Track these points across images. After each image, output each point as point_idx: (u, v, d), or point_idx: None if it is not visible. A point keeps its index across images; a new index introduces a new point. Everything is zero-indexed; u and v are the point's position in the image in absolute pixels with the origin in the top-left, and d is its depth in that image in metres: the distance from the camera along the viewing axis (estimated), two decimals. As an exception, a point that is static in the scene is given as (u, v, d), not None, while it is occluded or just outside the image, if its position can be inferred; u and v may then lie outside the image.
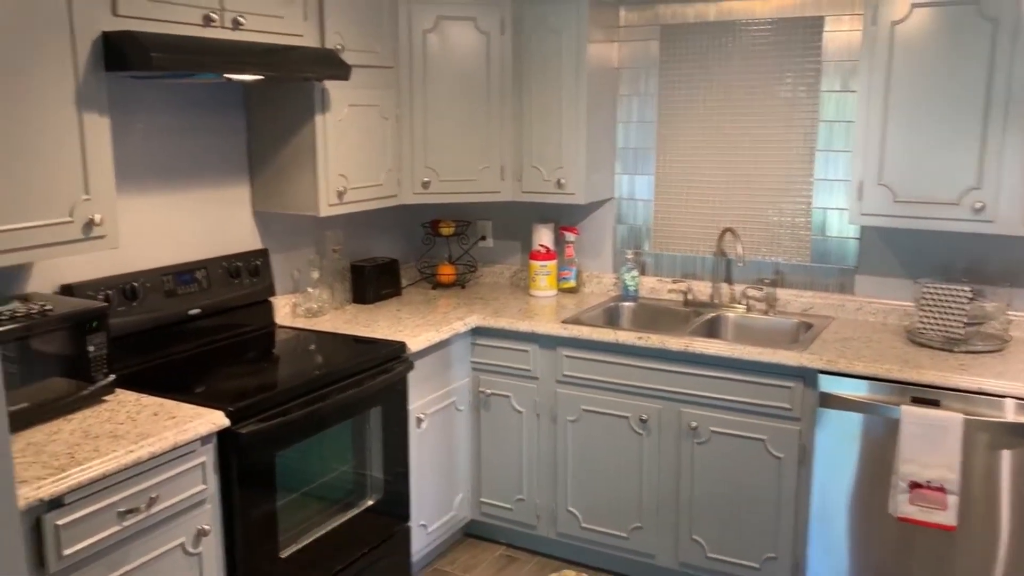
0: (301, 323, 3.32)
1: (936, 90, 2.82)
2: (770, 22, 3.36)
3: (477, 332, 3.43)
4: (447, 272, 3.92)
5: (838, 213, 3.35)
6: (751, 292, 3.51)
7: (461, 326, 3.33)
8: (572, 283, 3.82)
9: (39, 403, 2.24)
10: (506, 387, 3.43)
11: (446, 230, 3.90)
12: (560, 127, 3.47)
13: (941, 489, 2.63)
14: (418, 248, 4.15)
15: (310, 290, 3.40)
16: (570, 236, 3.80)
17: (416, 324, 3.29)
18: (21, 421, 2.20)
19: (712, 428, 3.05)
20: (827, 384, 2.83)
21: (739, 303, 3.52)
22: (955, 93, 2.79)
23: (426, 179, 3.52)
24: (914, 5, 2.81)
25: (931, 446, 2.63)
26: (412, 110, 3.47)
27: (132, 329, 2.73)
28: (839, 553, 2.88)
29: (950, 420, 2.60)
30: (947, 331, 2.91)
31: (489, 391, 3.45)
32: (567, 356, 3.28)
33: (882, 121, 2.92)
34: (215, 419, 2.33)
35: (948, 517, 2.63)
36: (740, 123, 3.47)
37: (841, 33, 3.24)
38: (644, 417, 3.15)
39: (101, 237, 2.35)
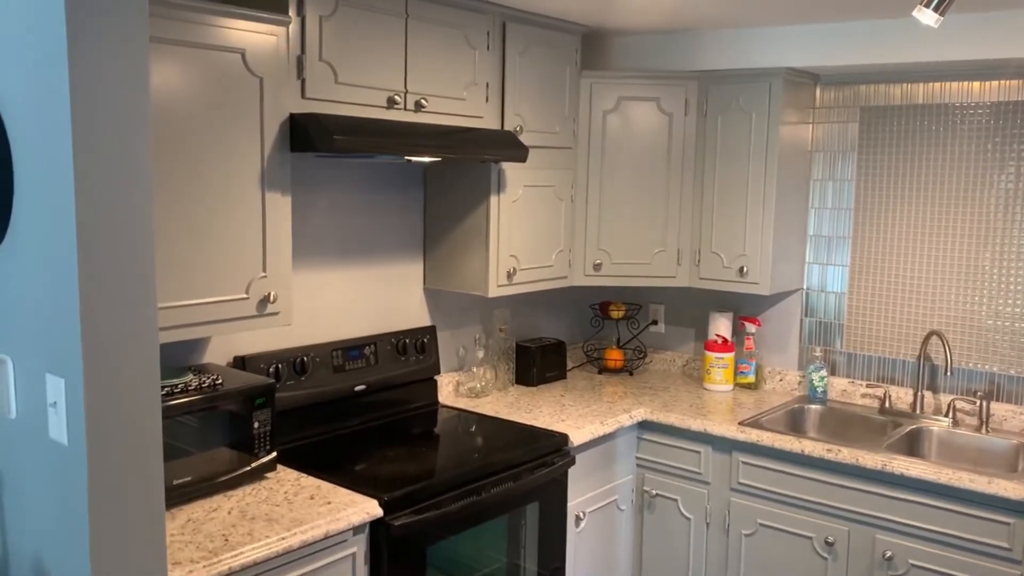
0: (464, 403, 3.24)
1: None
2: (989, 105, 3.02)
3: (644, 426, 3.22)
4: (615, 357, 3.74)
5: (1071, 321, 2.91)
6: (960, 404, 3.10)
7: (627, 419, 3.14)
8: (751, 378, 3.54)
9: (203, 477, 2.25)
10: (673, 489, 3.18)
11: (616, 313, 3.74)
12: (744, 212, 3.26)
13: None
14: (585, 329, 4.00)
15: (474, 369, 3.33)
16: (751, 327, 3.54)
17: (580, 414, 3.12)
18: (184, 495, 2.21)
19: (912, 561, 2.67)
20: (1058, 525, 2.41)
21: (944, 416, 3.12)
22: None
23: (598, 261, 3.39)
24: None
25: None
26: (588, 191, 3.36)
27: (298, 403, 2.74)
28: None
29: None
30: None
31: (655, 492, 3.22)
32: (744, 462, 3.00)
33: None
34: (369, 508, 2.25)
35: None
36: (950, 215, 3.12)
37: (1079, 118, 2.86)
38: (831, 540, 2.81)
39: (275, 314, 2.37)
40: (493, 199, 2.99)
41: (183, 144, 2.12)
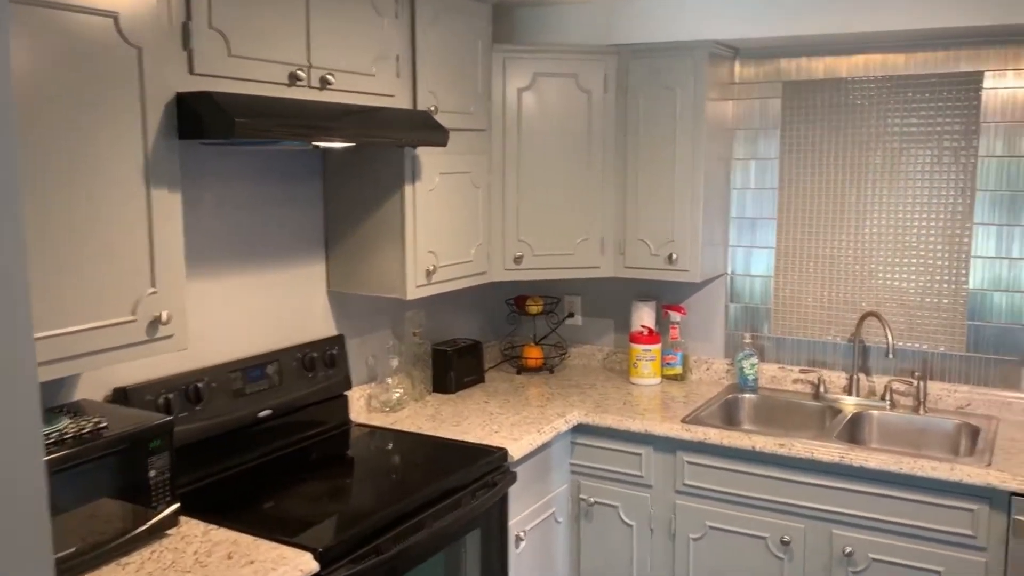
0: (379, 419, 2.89)
1: None
2: (916, 78, 2.95)
3: (578, 430, 2.98)
4: (534, 356, 3.48)
5: (1001, 295, 2.89)
6: (896, 385, 3.04)
7: (563, 424, 2.88)
8: (678, 369, 3.37)
9: (90, 545, 1.81)
10: (613, 495, 2.96)
11: (534, 308, 3.47)
12: (672, 195, 3.06)
13: None
14: (498, 326, 3.72)
15: (388, 380, 2.98)
16: (675, 316, 3.36)
17: (512, 422, 2.84)
18: (68, 571, 1.77)
19: (872, 555, 2.56)
20: (1022, 509, 2.35)
21: (881, 398, 3.05)
22: None
23: (519, 253, 3.11)
24: (1116, 58, 2.39)
25: None
26: (505, 177, 3.07)
27: (195, 437, 2.31)
28: None
29: None
30: None
31: (592, 499, 2.99)
32: (689, 462, 2.81)
33: (1074, 193, 2.48)
34: (303, 564, 1.88)
35: None
36: (878, 192, 3.04)
37: (1004, 91, 2.82)
38: (786, 538, 2.67)
39: (168, 337, 1.95)
40: (407, 189, 2.65)
41: (44, 134, 1.67)
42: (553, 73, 3.05)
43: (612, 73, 3.10)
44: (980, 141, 2.87)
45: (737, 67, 3.24)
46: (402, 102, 2.60)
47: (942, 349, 3.00)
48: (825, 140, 3.11)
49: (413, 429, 2.79)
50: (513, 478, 2.57)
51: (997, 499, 2.39)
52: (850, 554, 2.58)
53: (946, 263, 2.96)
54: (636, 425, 2.86)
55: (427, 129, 2.48)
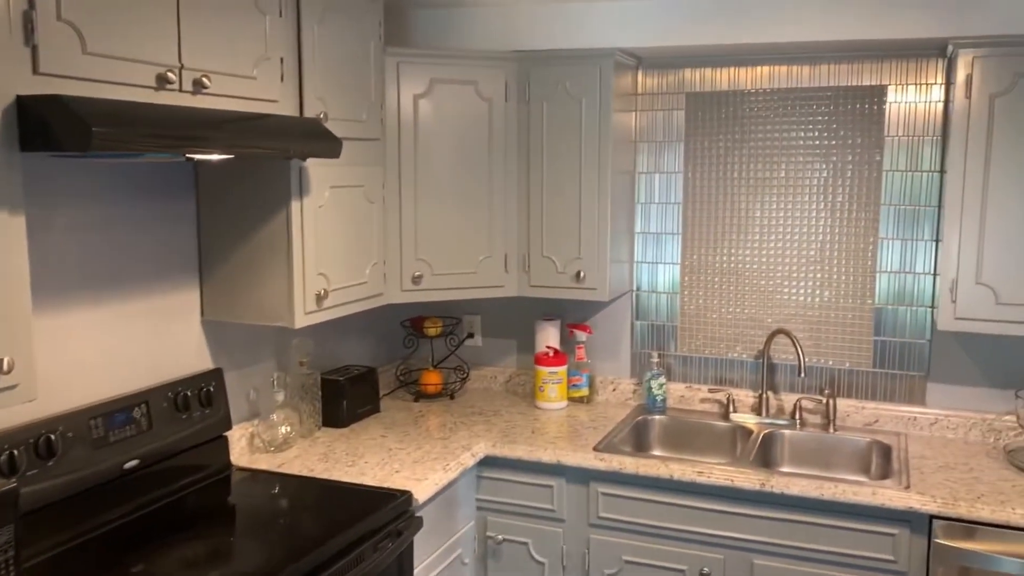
0: (265, 461, 2.60)
1: (1048, 174, 2.39)
2: (821, 90, 2.90)
3: (485, 463, 2.78)
4: (433, 381, 3.25)
5: (905, 310, 2.88)
6: (805, 403, 2.99)
7: (470, 459, 2.67)
8: (584, 391, 3.22)
9: (-92, 652, 1.47)
10: (522, 531, 2.77)
11: (433, 330, 3.24)
12: (579, 210, 2.90)
13: (1105, 669, 2.13)
14: (393, 349, 3.48)
15: (273, 416, 2.69)
16: (581, 335, 3.21)
17: (414, 459, 2.61)
18: None
19: (793, 584, 2.47)
20: (942, 532, 2.30)
21: (791, 417, 2.99)
22: (1072, 178, 2.37)
23: (417, 272, 2.88)
24: (1018, 75, 2.39)
25: (1092, 615, 2.12)
26: (401, 191, 2.84)
27: (48, 499, 1.97)
28: None
29: (1116, 583, 2.11)
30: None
31: (500, 536, 2.79)
32: (604, 493, 2.66)
33: (980, 209, 2.47)
34: (181, 654, 1.60)
35: None
36: (784, 206, 2.98)
37: (906, 105, 2.81)
38: (705, 570, 2.55)
39: (11, 388, 1.62)
40: (294, 205, 2.38)
41: None
42: (451, 79, 2.85)
43: (513, 81, 2.92)
44: (884, 155, 2.85)
45: (640, 77, 3.12)
46: (287, 108, 2.33)
47: (848, 365, 2.97)
48: (730, 153, 3.03)
49: (304, 472, 2.51)
50: (419, 524, 2.34)
51: (917, 522, 2.34)
52: (771, 584, 2.49)
53: (851, 278, 2.93)
54: (547, 455, 2.68)
55: (317, 138, 2.22)
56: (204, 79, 2.00)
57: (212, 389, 2.46)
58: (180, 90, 1.95)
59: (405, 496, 2.33)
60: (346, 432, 2.88)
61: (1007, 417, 2.78)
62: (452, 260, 2.93)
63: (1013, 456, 2.61)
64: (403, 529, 2.27)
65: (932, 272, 2.83)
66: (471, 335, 3.43)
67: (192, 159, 2.01)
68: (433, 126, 2.84)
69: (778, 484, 2.44)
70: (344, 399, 2.92)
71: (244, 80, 2.15)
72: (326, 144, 2.23)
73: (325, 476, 2.48)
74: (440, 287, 2.94)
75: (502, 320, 3.41)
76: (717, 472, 2.50)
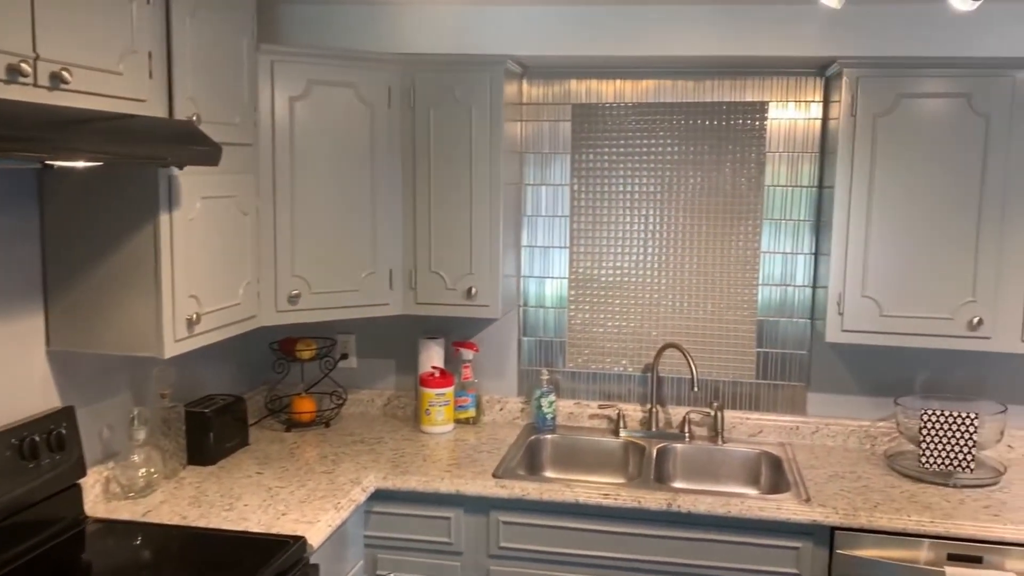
0: (125, 510, 2.27)
1: (926, 190, 2.49)
2: (706, 105, 2.91)
3: (375, 497, 2.58)
4: (306, 409, 3.00)
5: (786, 322, 2.94)
6: (694, 416, 2.99)
7: (360, 494, 2.46)
8: (471, 412, 3.08)
9: None
10: (416, 568, 2.59)
11: (306, 353, 2.99)
12: (470, 223, 2.76)
13: (995, 665, 2.22)
14: (256, 374, 3.19)
15: (133, 457, 2.36)
16: (467, 354, 3.07)
17: (299, 499, 2.37)
18: None
19: (699, 603, 2.44)
20: (843, 542, 2.34)
21: (680, 431, 2.98)
22: (947, 193, 2.48)
23: (295, 291, 2.64)
24: (900, 95, 2.48)
25: (984, 615, 2.22)
26: (276, 202, 2.59)
27: None
28: None
29: (1004, 583, 2.21)
30: (955, 462, 2.54)
31: (392, 575, 2.59)
32: (505, 522, 2.53)
33: (865, 225, 2.54)
34: None
35: None
36: (670, 220, 2.97)
37: (786, 121, 2.87)
38: (612, 596, 2.48)
39: None
40: (163, 218, 2.09)
41: None
42: (330, 81, 2.63)
43: (397, 85, 2.73)
44: (765, 170, 2.90)
45: (524, 86, 3.02)
46: (156, 109, 2.04)
47: (732, 377, 3.00)
48: (617, 166, 2.99)
49: (175, 520, 2.22)
50: (316, 573, 2.11)
51: (819, 535, 2.37)
52: (679, 605, 2.45)
53: (735, 291, 2.96)
54: (444, 485, 2.52)
55: (195, 144, 1.95)
56: (64, 72, 1.70)
57: (63, 431, 2.12)
58: (35, 84, 1.65)
59: (299, 542, 2.10)
60: (215, 470, 2.59)
61: (881, 424, 2.89)
62: (332, 277, 2.71)
63: (893, 461, 2.71)
64: (299, 581, 2.04)
65: (811, 285, 2.91)
66: (345, 356, 3.21)
67: (51, 166, 1.70)
68: (310, 131, 2.61)
69: (685, 503, 2.40)
70: (211, 433, 2.63)
71: (109, 76, 1.86)
72: (205, 150, 1.97)
73: (201, 524, 2.19)
74: (319, 306, 2.70)
75: (378, 339, 3.21)
76: (624, 494, 2.43)
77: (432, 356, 3.04)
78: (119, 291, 2.11)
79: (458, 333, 3.15)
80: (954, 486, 2.52)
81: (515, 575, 2.53)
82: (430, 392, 2.95)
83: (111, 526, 2.19)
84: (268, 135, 2.54)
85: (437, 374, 2.98)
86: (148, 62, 1.99)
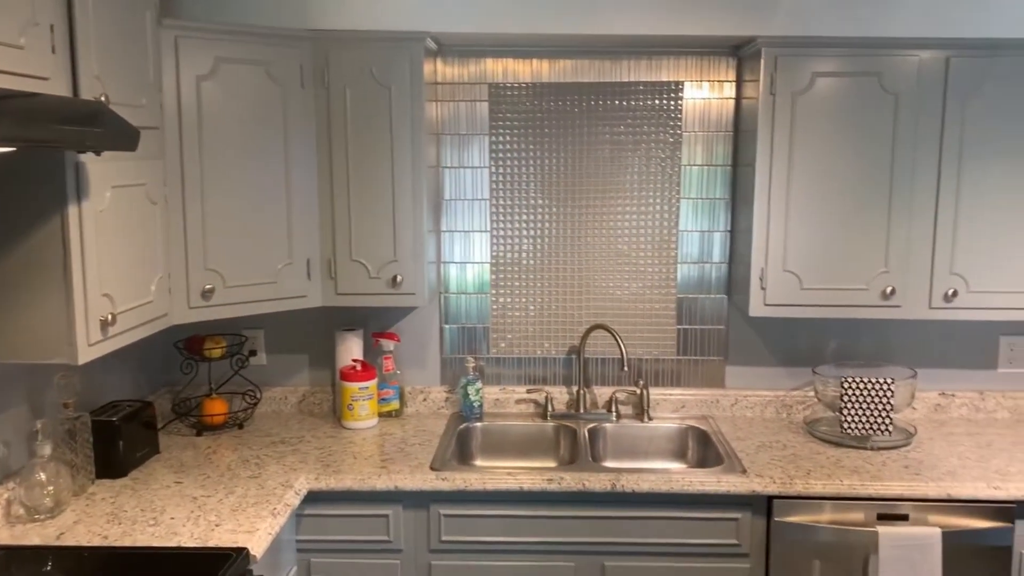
0: (35, 533, 2.05)
1: (842, 166, 2.58)
2: (623, 85, 2.91)
3: (305, 499, 2.44)
4: (218, 411, 2.81)
5: (705, 299, 2.99)
6: (620, 396, 3.00)
7: (295, 497, 2.33)
8: (395, 404, 2.97)
9: None
10: (353, 569, 2.48)
11: (216, 351, 2.80)
12: (392, 208, 2.65)
13: (923, 615, 2.35)
14: (156, 376, 2.96)
15: (38, 475, 2.13)
16: (388, 344, 2.96)
17: (230, 507, 2.21)
18: None
19: (644, 581, 2.46)
20: (780, 510, 2.41)
21: (608, 411, 2.98)
22: (862, 169, 2.58)
23: (208, 286, 2.45)
24: (816, 74, 2.56)
25: (913, 568, 2.33)
26: (185, 189, 2.39)
27: None
28: None
29: (930, 537, 2.33)
30: (874, 426, 2.66)
31: (329, 578, 2.48)
32: (447, 515, 2.45)
33: (785, 201, 2.61)
34: None
35: (932, 645, 2.35)
36: (590, 201, 2.97)
37: (701, 101, 2.91)
38: (558, 581, 2.46)
39: None
40: (71, 210, 1.88)
41: None
42: (239, 59, 2.45)
43: (310, 63, 2.58)
44: (682, 149, 2.94)
45: (440, 65, 2.93)
46: (60, 88, 1.83)
47: (656, 354, 3.03)
48: (535, 147, 2.95)
49: (95, 541, 2.02)
50: (262, 585, 1.98)
51: (757, 504, 2.43)
52: (624, 584, 2.45)
53: (657, 269, 2.99)
54: (381, 482, 2.42)
55: (110, 126, 1.76)
56: (-37, 43, 1.49)
57: (-42, 452, 1.89)
58: (-69, 57, 1.43)
59: (241, 554, 1.95)
60: (128, 483, 2.38)
61: (795, 392, 3.00)
62: (247, 269, 2.54)
63: (812, 428, 2.82)
64: (247, 595, 1.90)
65: (727, 261, 2.97)
66: (254, 353, 3.03)
67: (-49, 152, 1.49)
68: (219, 112, 2.42)
69: (628, 483, 2.40)
70: (120, 443, 2.41)
71: (9, 50, 1.65)
72: (123, 134, 1.79)
73: (127, 543, 2.00)
74: (234, 301, 2.53)
75: (288, 334, 3.05)
76: (568, 478, 2.41)
77: (351, 349, 2.92)
78: (24, 292, 1.89)
79: (375, 324, 3.03)
80: (872, 448, 2.65)
81: (458, 568, 2.47)
82: (352, 386, 2.83)
83: (19, 553, 1.97)
84: (174, 117, 2.35)
85: (358, 367, 2.86)
86: (50, 35, 1.78)
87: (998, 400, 2.96)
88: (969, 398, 2.97)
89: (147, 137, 2.22)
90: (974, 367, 2.97)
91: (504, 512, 2.44)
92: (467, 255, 3.01)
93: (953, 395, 2.97)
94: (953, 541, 2.36)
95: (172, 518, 2.14)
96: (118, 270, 2.07)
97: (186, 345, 2.82)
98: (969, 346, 2.96)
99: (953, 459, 2.55)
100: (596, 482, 2.41)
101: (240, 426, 2.87)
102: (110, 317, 2.01)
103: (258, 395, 2.97)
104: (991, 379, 2.97)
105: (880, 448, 2.65)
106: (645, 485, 2.40)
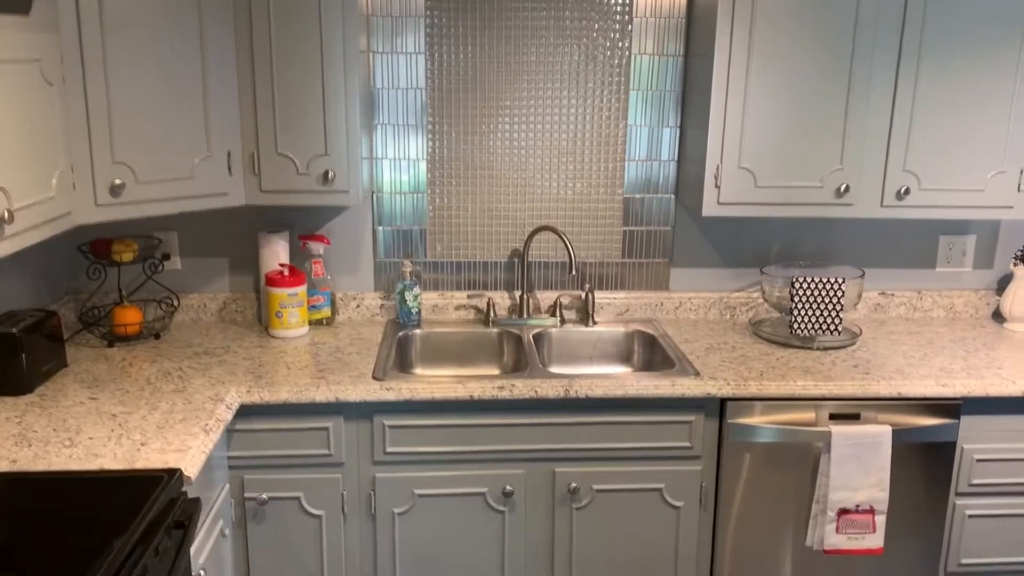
0: (-72, 461, 1.82)
1: (800, 57, 2.45)
2: (568, -34, 2.70)
3: (239, 414, 2.26)
4: (131, 320, 2.56)
5: (652, 199, 2.88)
6: (564, 300, 2.89)
7: (226, 412, 2.14)
8: (326, 312, 2.78)
9: None
10: (291, 485, 2.33)
11: (127, 254, 2.53)
12: (322, 97, 2.40)
13: (870, 511, 2.37)
14: (56, 283, 2.67)
15: (-72, 395, 1.88)
16: (317, 248, 2.75)
17: (157, 425, 2.01)
18: None
19: (595, 486, 2.39)
20: (732, 412, 2.37)
21: (552, 315, 2.87)
22: (821, 61, 2.46)
23: (118, 181, 2.18)
24: (778, -41, 2.41)
25: (862, 466, 2.34)
26: (86, 69, 2.09)
27: None
28: (745, 599, 2.49)
29: (881, 435, 2.33)
30: (823, 326, 2.63)
31: (264, 495, 2.32)
32: (391, 426, 2.32)
33: (743, 95, 2.49)
34: None
35: (877, 539, 2.38)
36: (534, 93, 2.77)
37: (653, -14, 2.73)
38: (508, 489, 2.37)
39: None
40: (-50, 87, 1.60)
41: None
42: (142, -82, 2.12)
43: (225, -73, 2.27)
44: (632, 38, 2.76)
45: (368, -63, 2.64)
46: (-72, -66, 1.51)
47: (600, 257, 2.92)
48: (476, 33, 2.72)
49: (2, 466, 1.80)
50: (199, 507, 1.80)
51: (710, 407, 2.38)
52: (575, 490, 2.38)
53: (603, 168, 2.85)
54: (321, 394, 2.25)
55: (-3, -16, 1.47)
56: None
57: None
58: None
59: (175, 476, 1.77)
60: (35, 400, 2.14)
61: (737, 294, 2.95)
62: (161, 163, 2.27)
63: (759, 328, 2.78)
64: (183, 519, 1.73)
65: (675, 159, 2.85)
66: (167, 257, 2.76)
67: None
68: (121, -19, 2.11)
69: (582, 388, 2.31)
70: (23, 356, 2.16)
71: None
72: (13, -9, 1.50)
73: (41, 467, 1.79)
74: (148, 199, 2.26)
75: (204, 236, 2.79)
76: (520, 385, 2.30)
77: (276, 252, 2.69)
78: None
79: (301, 226, 2.81)
80: (818, 349, 2.63)
81: (404, 480, 2.35)
82: (280, 292, 2.62)
83: (-87, 482, 1.74)
84: (68, -17, 2.03)
85: (286, 272, 2.65)
86: None
87: (935, 299, 2.99)
88: (908, 297, 2.98)
89: (41, 5, 1.90)
90: (913, 266, 2.97)
91: (451, 421, 2.32)
92: (401, 152, 2.79)
93: (893, 295, 2.98)
94: (901, 439, 2.38)
95: (90, 438, 1.93)
96: (11, 160, 1.78)
97: (92, 248, 2.54)
98: (909, 246, 2.96)
99: (899, 358, 2.56)
100: (549, 388, 2.30)
101: (157, 336, 2.64)
102: (6, 214, 1.74)
103: (175, 303, 2.72)
104: (929, 278, 2.99)
105: (826, 348, 2.64)
106: (599, 390, 2.31)
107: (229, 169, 2.41)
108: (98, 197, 2.16)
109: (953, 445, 2.40)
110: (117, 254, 2.52)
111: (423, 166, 2.80)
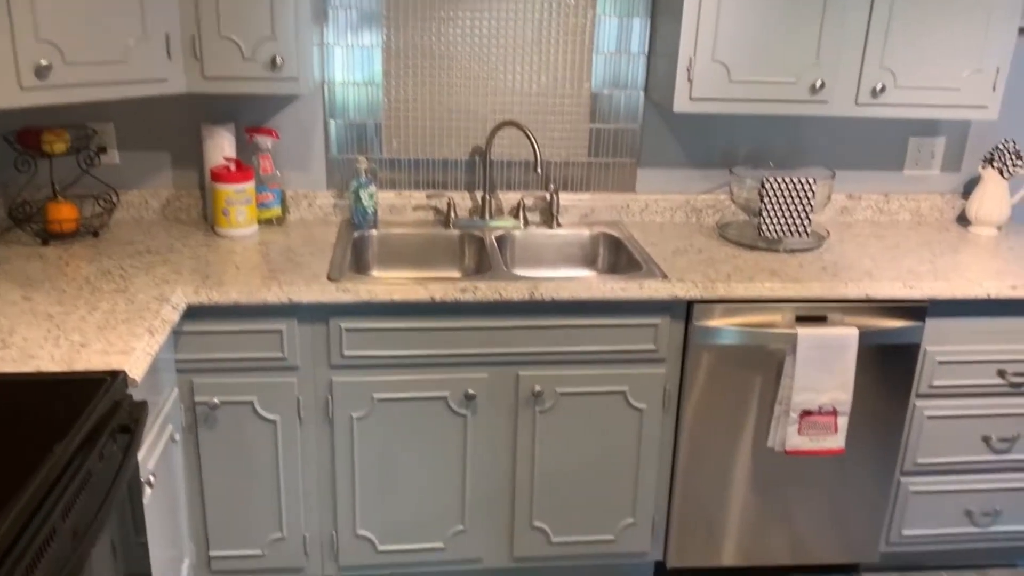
0: None
1: (781, -55, 2.33)
2: None
3: (184, 315, 2.14)
4: (67, 216, 2.40)
5: (620, 95, 2.76)
6: (528, 201, 2.78)
7: (173, 313, 2.02)
8: (276, 210, 2.64)
9: None
10: (243, 389, 2.23)
11: (58, 145, 2.34)
12: (269, -26, 2.21)
13: (833, 412, 2.37)
14: (-17, 176, 2.49)
15: None
16: (265, 142, 2.58)
17: (98, 326, 1.89)
18: None
19: (559, 389, 2.35)
20: (698, 314, 2.32)
21: (514, 216, 2.77)
22: (800, -50, 2.34)
23: (44, 62, 1.99)
24: None
25: (827, 368, 2.32)
26: (0, -68, 1.87)
27: None
28: (708, 505, 2.49)
29: (847, 337, 2.31)
30: (792, 227, 2.58)
31: (217, 399, 2.22)
32: (348, 329, 2.22)
33: (718, -19, 2.36)
34: None
35: (838, 440, 2.39)
36: (496, -23, 2.60)
37: None
38: (471, 392, 2.30)
39: None
40: None
41: None
42: None
43: None
44: (602, -79, 2.59)
45: None
46: None
47: (565, 156, 2.81)
48: (434, -91, 2.52)
49: (-73, 369, 1.67)
50: (145, 410, 1.70)
51: (676, 309, 2.33)
52: (539, 393, 2.33)
53: (570, 61, 2.71)
54: (273, 295, 2.14)
55: None
56: None
57: None
58: None
59: (118, 377, 1.66)
60: (-37, 301, 2.00)
61: (703, 196, 2.88)
62: (91, 43, 2.07)
63: (725, 231, 2.72)
64: (129, 423, 1.63)
65: (646, 52, 2.72)
66: (103, 149, 2.58)
67: None
68: None
69: (547, 291, 2.23)
70: (-53, 254, 2.00)
71: None
72: None
73: (-29, 371, 1.67)
74: (78, 82, 2.07)
75: (143, 127, 2.61)
76: (483, 287, 2.21)
77: (222, 146, 2.53)
78: None
79: (247, 117, 2.63)
80: (785, 251, 2.59)
81: (362, 385, 2.27)
82: (227, 189, 2.47)
83: None
84: None
85: (233, 167, 2.49)
86: None
87: (901, 202, 2.95)
88: (874, 200, 2.94)
89: None
90: (881, 168, 2.92)
91: (411, 324, 2.23)
92: (355, 38, 2.61)
93: (860, 197, 2.93)
94: (867, 341, 2.36)
95: (25, 339, 1.80)
96: (-82, 30, 1.59)
97: (19, 138, 2.35)
98: (878, 148, 2.90)
99: (866, 260, 2.52)
100: (513, 291, 2.22)
101: (95, 234, 2.48)
102: (-86, 91, 1.56)
103: (115, 199, 2.56)
104: (896, 181, 2.94)
105: (793, 250, 2.59)
106: (565, 293, 2.24)
107: (168, 53, 2.22)
108: (22, 79, 1.96)
109: (917, 347, 2.40)
110: (48, 144, 2.33)
111: (378, 54, 2.63)
